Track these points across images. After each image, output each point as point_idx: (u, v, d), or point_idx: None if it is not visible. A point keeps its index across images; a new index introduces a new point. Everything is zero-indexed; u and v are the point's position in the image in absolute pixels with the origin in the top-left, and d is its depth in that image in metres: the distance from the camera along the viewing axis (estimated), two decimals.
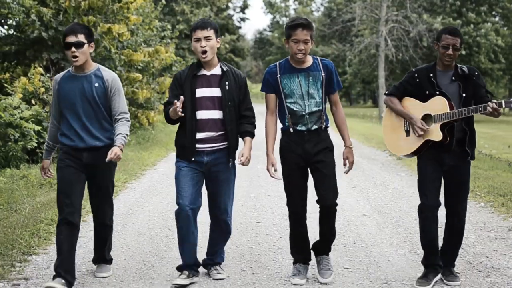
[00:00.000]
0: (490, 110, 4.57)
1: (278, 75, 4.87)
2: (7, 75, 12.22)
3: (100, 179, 4.94)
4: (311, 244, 5.09)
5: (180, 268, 4.97)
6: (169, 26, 22.34)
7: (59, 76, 4.95)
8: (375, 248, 5.89)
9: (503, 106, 4.58)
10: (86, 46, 4.78)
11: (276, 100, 4.94)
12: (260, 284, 4.93)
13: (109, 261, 5.22)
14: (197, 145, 4.82)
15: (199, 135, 4.82)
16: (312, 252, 5.10)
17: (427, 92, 4.82)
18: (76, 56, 4.75)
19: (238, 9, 55.39)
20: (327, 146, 4.89)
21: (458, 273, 5.03)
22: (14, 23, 13.52)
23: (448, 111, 4.70)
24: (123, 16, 14.07)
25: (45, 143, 5.10)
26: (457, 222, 4.93)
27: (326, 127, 4.92)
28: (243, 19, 56.50)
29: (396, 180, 10.18)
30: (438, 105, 4.76)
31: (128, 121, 4.90)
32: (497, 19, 37.42)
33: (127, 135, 4.84)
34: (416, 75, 4.92)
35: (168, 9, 32.14)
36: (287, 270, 5.22)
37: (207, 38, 4.75)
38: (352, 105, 50.35)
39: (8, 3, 11.42)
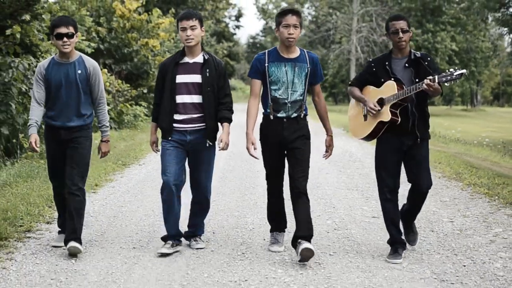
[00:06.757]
0: (425, 86, 4.56)
1: (266, 64, 4.84)
2: None
3: (72, 147, 4.98)
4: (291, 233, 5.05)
5: (164, 238, 5.05)
6: None
7: (44, 63, 4.99)
8: (322, 177, 9.64)
9: (436, 81, 4.57)
10: (75, 37, 4.89)
11: (260, 86, 4.91)
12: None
13: (76, 239, 4.87)
14: (180, 125, 4.91)
15: (181, 117, 4.91)
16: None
17: (382, 80, 4.86)
18: (68, 45, 4.86)
19: (233, 18, 58.39)
20: (304, 134, 4.91)
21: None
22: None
23: (396, 92, 4.75)
24: (155, 33, 17.99)
25: (31, 121, 4.96)
26: (418, 194, 4.94)
27: (305, 115, 4.95)
28: (238, 27, 58.36)
29: (358, 149, 13.18)
30: (389, 88, 4.81)
31: (105, 104, 5.13)
32: (455, 28, 41.07)
33: (108, 121, 5.15)
34: (372, 64, 4.99)
35: None
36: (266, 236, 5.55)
37: (192, 27, 4.81)
38: (338, 104, 52.34)
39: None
